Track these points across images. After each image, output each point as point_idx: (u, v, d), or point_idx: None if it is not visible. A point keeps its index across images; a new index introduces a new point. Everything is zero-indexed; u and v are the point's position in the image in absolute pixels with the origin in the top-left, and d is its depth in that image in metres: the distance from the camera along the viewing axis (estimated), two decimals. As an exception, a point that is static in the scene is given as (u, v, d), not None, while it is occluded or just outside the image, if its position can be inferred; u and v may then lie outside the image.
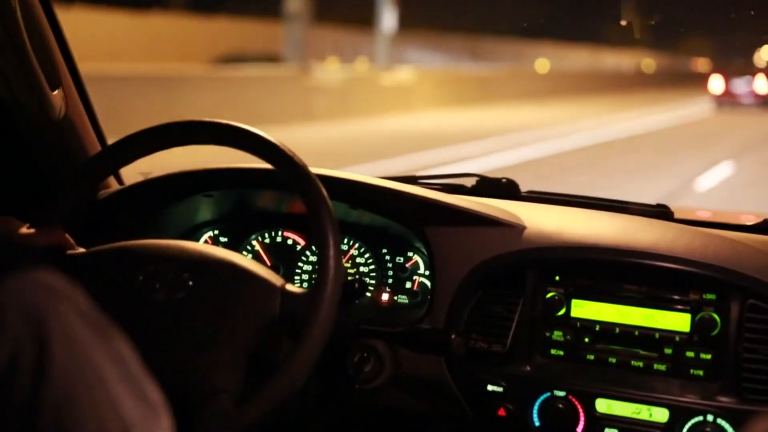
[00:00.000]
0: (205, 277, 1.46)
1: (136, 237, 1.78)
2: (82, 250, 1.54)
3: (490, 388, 1.66)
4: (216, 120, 1.53)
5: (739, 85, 23.02)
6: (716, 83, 23.34)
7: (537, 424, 1.63)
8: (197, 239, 1.96)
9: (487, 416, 1.67)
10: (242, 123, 1.51)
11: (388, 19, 21.33)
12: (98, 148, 1.94)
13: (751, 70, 23.43)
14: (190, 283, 1.45)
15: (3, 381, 0.80)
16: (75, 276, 1.46)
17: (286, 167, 1.46)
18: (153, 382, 0.92)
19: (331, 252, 1.39)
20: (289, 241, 1.93)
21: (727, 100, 22.86)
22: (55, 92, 1.79)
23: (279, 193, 1.85)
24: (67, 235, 1.54)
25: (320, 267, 1.39)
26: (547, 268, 1.67)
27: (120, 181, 1.98)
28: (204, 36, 23.27)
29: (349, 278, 1.87)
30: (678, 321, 1.59)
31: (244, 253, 1.94)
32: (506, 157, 12.24)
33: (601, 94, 27.82)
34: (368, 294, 1.88)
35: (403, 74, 19.99)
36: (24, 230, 1.52)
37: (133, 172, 1.96)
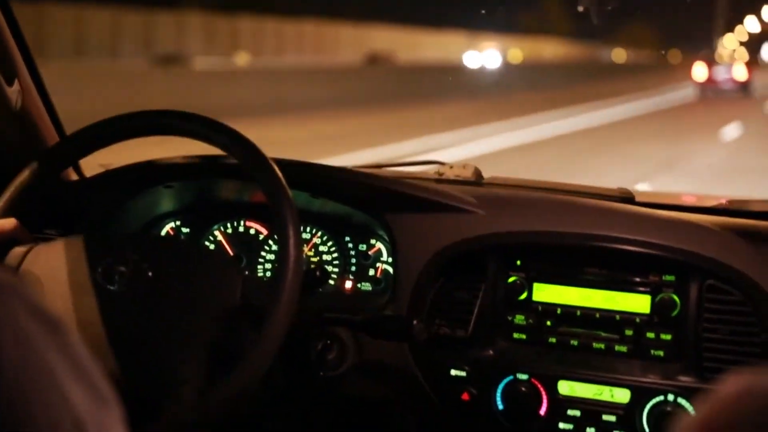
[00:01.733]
0: (165, 267, 1.46)
1: (96, 228, 1.77)
2: (40, 242, 1.53)
3: (453, 372, 1.66)
4: (174, 110, 1.52)
5: (720, 72, 24.61)
6: (700, 71, 24.85)
7: (501, 407, 1.64)
8: (159, 230, 1.95)
9: (451, 401, 1.68)
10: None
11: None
12: (57, 139, 1.92)
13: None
14: (150, 273, 1.44)
15: None
16: (31, 268, 1.46)
17: (244, 156, 1.46)
18: (103, 374, 0.92)
19: (292, 240, 1.39)
20: (252, 231, 1.93)
21: (710, 87, 24.34)
22: (11, 86, 1.78)
23: (241, 182, 1.84)
24: (21, 226, 1.53)
25: (281, 255, 1.39)
26: (509, 253, 1.68)
27: (80, 172, 1.96)
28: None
29: (312, 266, 1.87)
30: (638, 303, 1.61)
31: (207, 243, 1.93)
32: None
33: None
34: (331, 282, 1.88)
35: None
36: None
37: (94, 164, 1.95)
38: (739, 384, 0.69)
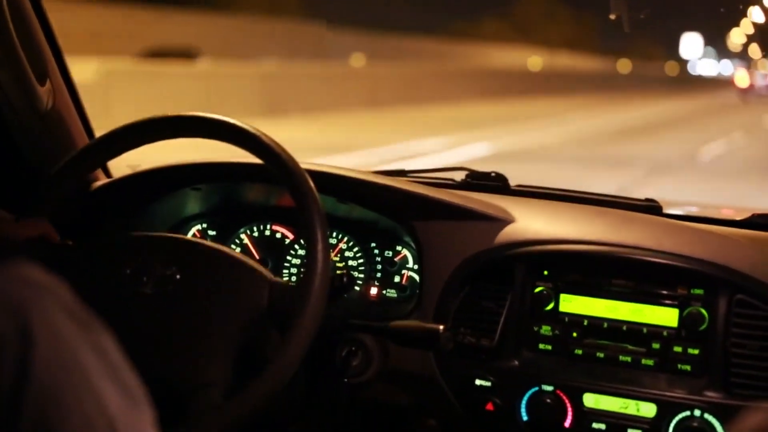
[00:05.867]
0: (193, 270, 1.46)
1: (124, 230, 1.78)
2: (68, 242, 1.54)
3: (478, 382, 1.66)
4: (205, 114, 1.52)
5: (758, 79, 28.78)
6: (742, 76, 29.96)
7: (525, 418, 1.63)
8: (185, 232, 1.96)
9: (475, 411, 1.67)
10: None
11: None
12: (86, 140, 1.93)
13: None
14: (178, 276, 1.45)
15: None
16: (61, 269, 1.46)
17: (274, 161, 1.46)
18: (136, 375, 0.92)
19: (320, 246, 1.39)
20: (278, 235, 1.93)
21: (751, 91, 28.77)
22: (43, 85, 1.79)
23: (268, 186, 1.84)
24: (52, 227, 1.53)
25: (308, 261, 1.39)
26: (536, 262, 1.67)
27: (108, 174, 1.97)
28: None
29: (338, 272, 1.86)
30: (666, 316, 1.59)
31: (233, 246, 1.94)
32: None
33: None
34: (357, 288, 1.87)
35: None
36: (9, 223, 1.51)
37: (122, 165, 1.95)
38: (763, 417, 0.68)
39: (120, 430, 0.84)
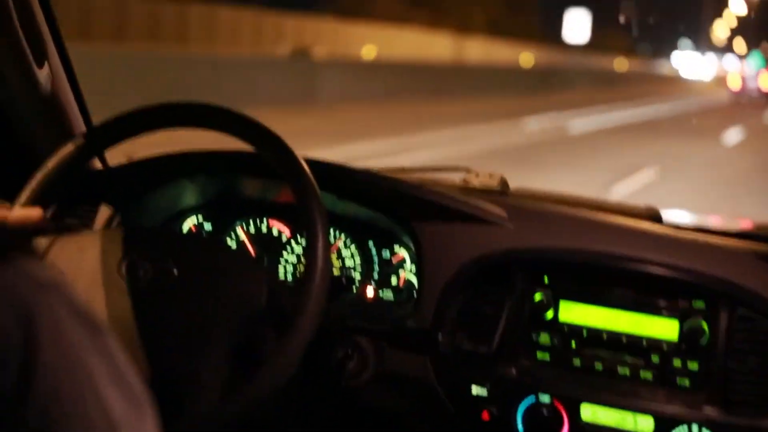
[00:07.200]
0: (191, 266, 1.44)
1: (119, 220, 1.75)
2: (64, 233, 1.51)
3: (474, 390, 1.64)
4: (204, 103, 1.49)
5: (750, 82, 30.38)
6: (735, 80, 31.10)
7: (521, 429, 1.61)
8: (181, 224, 1.93)
9: (470, 419, 1.65)
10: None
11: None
12: (83, 127, 1.90)
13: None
14: (175, 271, 1.42)
15: None
16: (55, 260, 1.43)
17: (275, 153, 1.43)
18: (140, 379, 0.90)
19: (320, 243, 1.36)
20: (275, 231, 1.90)
21: (743, 94, 29.82)
22: (42, 69, 1.75)
23: (265, 180, 1.81)
24: (46, 216, 1.50)
25: (308, 259, 1.36)
26: (536, 269, 1.65)
27: (104, 162, 1.94)
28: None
29: (336, 272, 1.84)
30: (666, 328, 1.58)
31: (229, 240, 1.91)
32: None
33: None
34: (353, 289, 1.85)
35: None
36: (3, 209, 1.48)
37: (118, 154, 1.92)
38: None
39: None
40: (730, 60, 33.61)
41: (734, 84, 30.87)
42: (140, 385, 0.88)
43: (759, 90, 29.96)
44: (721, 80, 33.36)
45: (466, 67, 29.98)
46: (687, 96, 31.18)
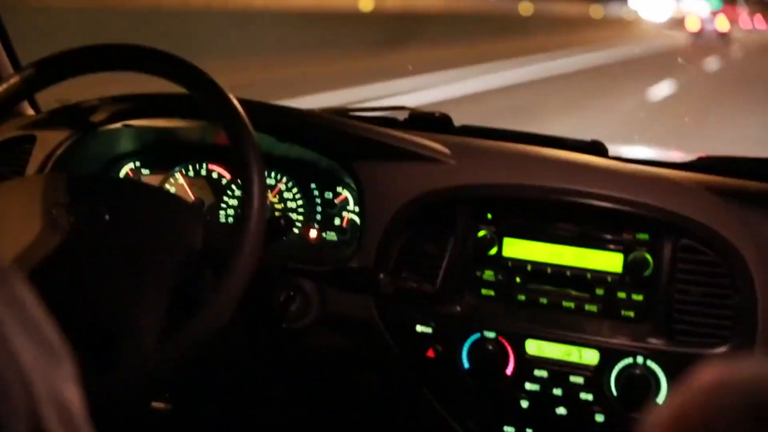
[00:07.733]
0: (123, 209, 1.40)
1: (52, 167, 1.70)
2: None
3: (419, 328, 1.62)
4: (134, 44, 1.45)
5: (707, 24, 30.92)
6: (694, 22, 31.37)
7: (466, 365, 1.60)
8: (118, 171, 1.88)
9: (415, 358, 1.64)
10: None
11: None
12: (11, 70, 1.84)
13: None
14: (107, 216, 1.39)
15: None
16: None
17: (207, 94, 1.40)
18: (56, 328, 0.86)
19: (256, 185, 1.34)
20: (214, 175, 1.86)
21: (700, 35, 30.15)
22: None
23: (204, 123, 1.77)
24: None
25: (244, 201, 1.34)
26: (479, 205, 1.63)
27: (36, 107, 1.88)
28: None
29: (276, 214, 1.81)
30: (610, 261, 1.57)
31: (167, 186, 1.87)
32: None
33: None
34: (295, 230, 1.82)
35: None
36: None
37: (50, 99, 1.87)
38: (713, 375, 0.64)
39: (34, 383, 0.79)
40: (689, 1, 33.79)
41: (693, 26, 31.35)
42: (55, 334, 0.84)
43: (716, 31, 30.50)
44: (679, 22, 33.40)
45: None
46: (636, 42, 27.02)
